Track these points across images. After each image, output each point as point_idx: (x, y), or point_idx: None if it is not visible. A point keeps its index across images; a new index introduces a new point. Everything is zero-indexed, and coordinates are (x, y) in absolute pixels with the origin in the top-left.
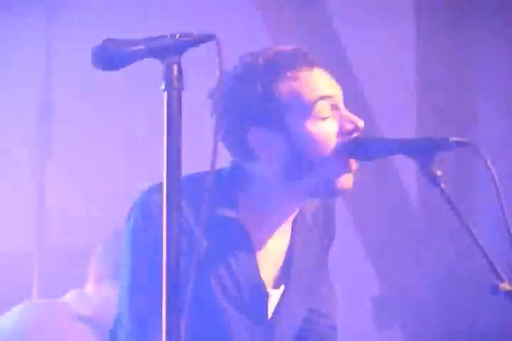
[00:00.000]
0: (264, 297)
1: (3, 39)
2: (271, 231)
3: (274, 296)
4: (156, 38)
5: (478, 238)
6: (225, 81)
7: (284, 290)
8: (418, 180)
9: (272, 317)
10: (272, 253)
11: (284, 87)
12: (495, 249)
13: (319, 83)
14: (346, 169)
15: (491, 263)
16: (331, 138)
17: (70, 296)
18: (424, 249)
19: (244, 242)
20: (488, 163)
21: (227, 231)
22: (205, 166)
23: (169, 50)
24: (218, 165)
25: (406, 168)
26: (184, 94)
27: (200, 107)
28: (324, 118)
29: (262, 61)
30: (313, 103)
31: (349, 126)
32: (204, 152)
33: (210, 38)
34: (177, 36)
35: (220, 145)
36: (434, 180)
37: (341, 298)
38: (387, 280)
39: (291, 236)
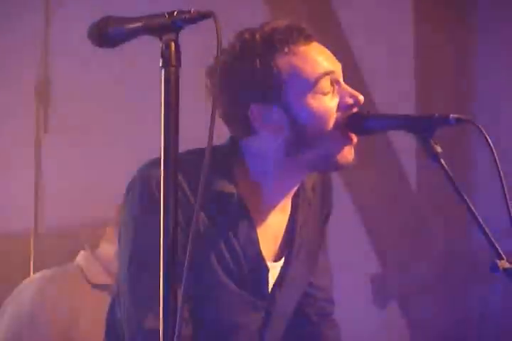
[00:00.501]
0: (265, 271)
1: (1, 17)
2: (271, 207)
3: (274, 270)
4: (153, 16)
5: (478, 215)
6: (223, 58)
7: (284, 264)
8: (417, 158)
9: (272, 291)
10: (271, 228)
11: (283, 63)
12: (494, 227)
13: (319, 58)
14: (347, 142)
15: (490, 241)
16: (332, 112)
17: (83, 260)
18: (423, 226)
19: (244, 217)
20: (489, 140)
21: (226, 207)
22: (203, 143)
23: (167, 28)
24: (215, 142)
25: (405, 146)
26: (182, 72)
27: (198, 83)
28: (325, 93)
29: (259, 37)
30: (316, 79)
31: (349, 101)
32: (202, 130)
33: (207, 15)
34: (175, 13)
35: (219, 121)
36: (434, 156)
37: (341, 276)
38: (386, 258)
39: (292, 211)
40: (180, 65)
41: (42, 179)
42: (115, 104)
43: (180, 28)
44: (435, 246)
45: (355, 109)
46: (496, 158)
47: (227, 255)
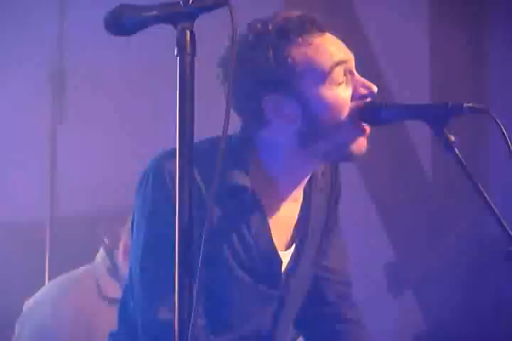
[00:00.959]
0: (278, 263)
1: (16, 6)
2: (283, 197)
3: (284, 258)
4: (169, 4)
5: (492, 203)
6: (235, 48)
7: (296, 252)
8: (432, 146)
9: (285, 280)
10: (283, 218)
11: (297, 53)
12: (508, 215)
13: (333, 48)
14: (360, 133)
15: (504, 229)
16: (346, 103)
17: (101, 265)
18: (437, 215)
19: (257, 209)
20: (503, 129)
21: (239, 199)
22: (216, 132)
23: (182, 16)
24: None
25: (420, 135)
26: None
27: (212, 74)
28: (339, 84)
29: (272, 28)
30: (329, 69)
31: (363, 91)
32: (216, 119)
33: (223, 3)
34: (190, 2)
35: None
36: (448, 145)
37: (355, 264)
38: (400, 247)
39: (304, 199)
40: (195, 54)
41: (57, 169)
42: (131, 94)
43: (196, 16)
44: (450, 235)
45: (368, 100)
46: (511, 146)
47: (240, 247)
